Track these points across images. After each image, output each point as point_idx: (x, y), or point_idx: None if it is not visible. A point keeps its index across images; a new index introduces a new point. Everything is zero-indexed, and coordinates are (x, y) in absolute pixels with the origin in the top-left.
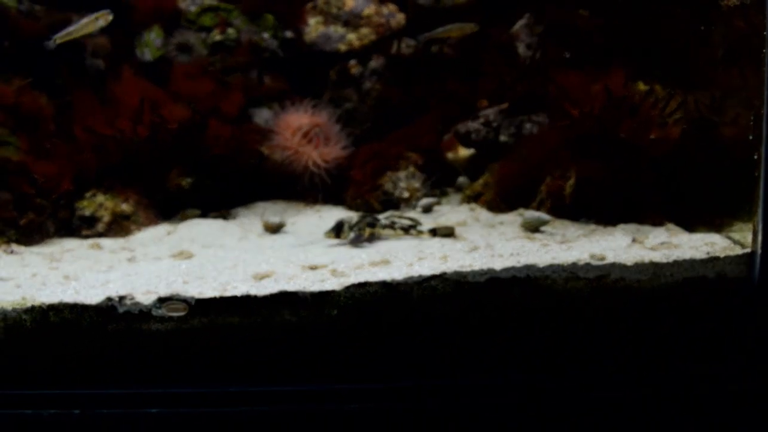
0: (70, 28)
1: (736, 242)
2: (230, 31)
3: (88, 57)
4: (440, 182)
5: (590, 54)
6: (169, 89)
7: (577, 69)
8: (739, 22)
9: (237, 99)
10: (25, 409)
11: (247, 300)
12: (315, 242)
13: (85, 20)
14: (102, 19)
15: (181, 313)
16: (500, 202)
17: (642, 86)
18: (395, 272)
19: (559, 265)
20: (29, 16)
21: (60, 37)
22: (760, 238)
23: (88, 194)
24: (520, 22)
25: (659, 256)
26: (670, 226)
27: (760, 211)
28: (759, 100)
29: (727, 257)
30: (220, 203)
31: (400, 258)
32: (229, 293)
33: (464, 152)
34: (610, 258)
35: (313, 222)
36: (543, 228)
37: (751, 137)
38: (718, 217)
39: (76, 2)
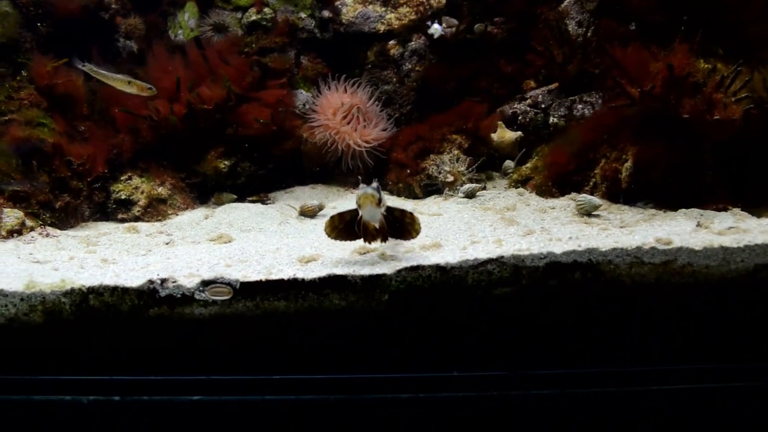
0: (104, 72)
1: None
2: (266, 10)
3: (120, 38)
4: (485, 166)
5: (646, 30)
6: (206, 69)
7: (634, 44)
8: None
9: (276, 81)
10: (64, 395)
11: (294, 283)
12: None
13: (120, 76)
14: (137, 87)
15: (225, 297)
16: (551, 187)
17: (703, 64)
18: (449, 256)
19: (622, 249)
20: None
21: (91, 70)
22: None
23: (123, 177)
24: None
25: (729, 241)
26: (736, 210)
27: None
28: None
29: None
30: (257, 187)
31: (451, 241)
32: (274, 276)
33: (510, 135)
34: (677, 242)
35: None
36: (598, 212)
37: None
38: None
39: None
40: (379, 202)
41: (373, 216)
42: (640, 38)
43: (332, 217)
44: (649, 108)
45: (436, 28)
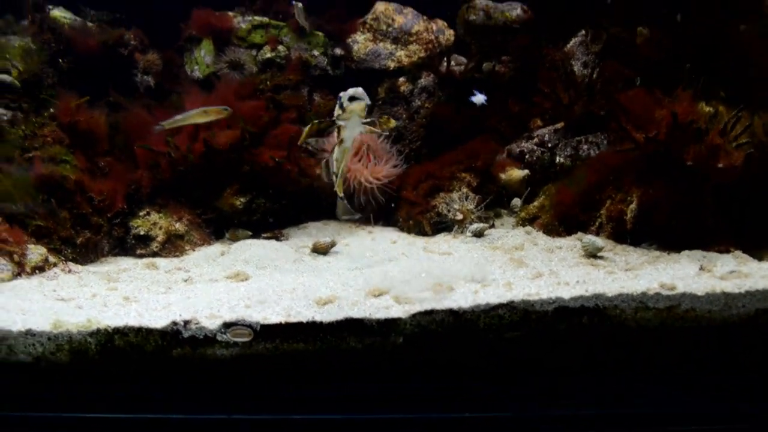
0: (178, 117)
1: None
2: (281, 48)
3: (138, 73)
4: (493, 203)
5: (651, 73)
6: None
7: (638, 89)
8: None
9: (288, 118)
10: None
11: (313, 326)
12: (371, 265)
13: (195, 111)
14: (214, 113)
15: (246, 339)
16: (558, 226)
17: (705, 107)
18: (461, 299)
19: (628, 295)
20: (83, 32)
21: (168, 123)
22: None
23: (142, 212)
24: (575, 40)
25: (731, 286)
26: (737, 253)
27: None
28: None
29: None
30: (272, 223)
31: (462, 284)
32: (293, 319)
33: (518, 173)
34: (680, 288)
35: (366, 243)
36: (603, 253)
37: None
38: None
39: (129, 21)
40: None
41: (353, 132)
42: (644, 80)
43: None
44: (654, 153)
45: (480, 98)
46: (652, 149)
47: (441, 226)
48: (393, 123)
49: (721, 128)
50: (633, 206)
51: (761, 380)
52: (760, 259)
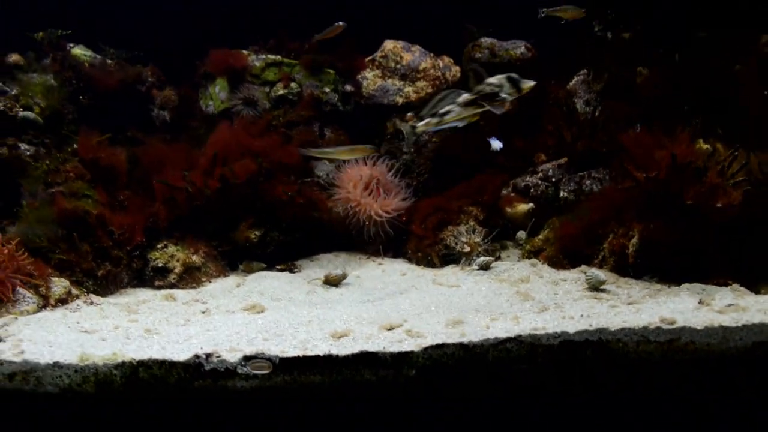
0: (327, 149)
1: None
2: (293, 85)
3: (155, 109)
4: (500, 236)
5: (651, 111)
6: (238, 143)
7: (639, 127)
8: None
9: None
10: None
11: (329, 359)
12: (382, 298)
13: (343, 148)
14: (360, 151)
15: (266, 371)
16: (562, 259)
17: (703, 145)
18: (470, 333)
19: (630, 329)
20: (102, 70)
21: (315, 152)
22: None
23: (159, 245)
24: (577, 78)
25: (728, 320)
26: (736, 286)
27: None
28: None
29: None
30: (285, 255)
31: (471, 318)
32: (310, 352)
33: (523, 207)
34: (680, 322)
35: (377, 275)
36: (607, 287)
37: None
38: None
39: (146, 58)
40: None
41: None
42: (644, 119)
43: None
44: (654, 190)
45: (496, 144)
46: (653, 188)
47: (449, 258)
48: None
49: (719, 169)
50: (635, 241)
51: (757, 411)
52: (757, 292)
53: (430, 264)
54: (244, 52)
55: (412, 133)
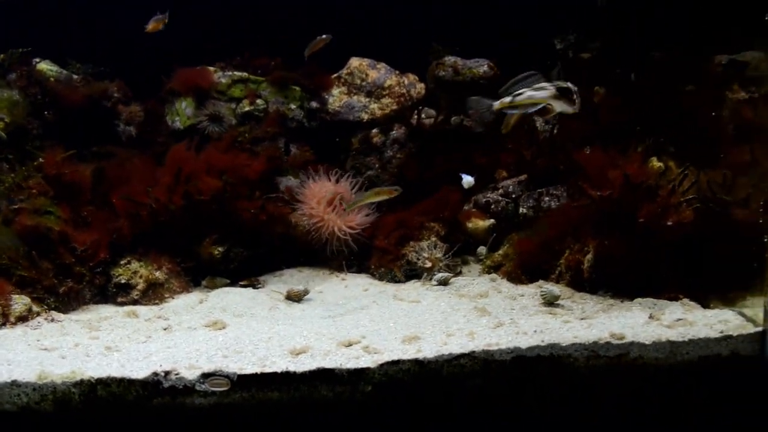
0: (357, 199)
1: (748, 319)
2: (259, 101)
3: (121, 124)
4: (461, 251)
5: (608, 130)
6: (203, 160)
7: (594, 146)
8: (748, 113)
9: (262, 168)
10: None
11: (287, 376)
12: (343, 314)
13: (369, 192)
14: (386, 192)
15: (224, 388)
16: (521, 274)
17: (656, 163)
18: (426, 349)
19: (581, 344)
20: (68, 85)
21: (349, 206)
22: None
23: (122, 261)
24: None
25: (675, 335)
26: (686, 301)
27: None
28: None
29: (740, 336)
30: (249, 271)
31: (428, 334)
32: (268, 369)
33: (484, 222)
34: (629, 337)
35: (339, 291)
36: (561, 301)
37: (761, 221)
38: (732, 291)
39: (112, 73)
40: None
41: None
42: (601, 137)
43: None
44: (608, 208)
45: (468, 180)
46: (607, 206)
47: (412, 273)
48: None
49: (670, 188)
50: (590, 257)
51: (703, 424)
52: (706, 306)
53: (392, 279)
54: (211, 68)
55: (490, 112)
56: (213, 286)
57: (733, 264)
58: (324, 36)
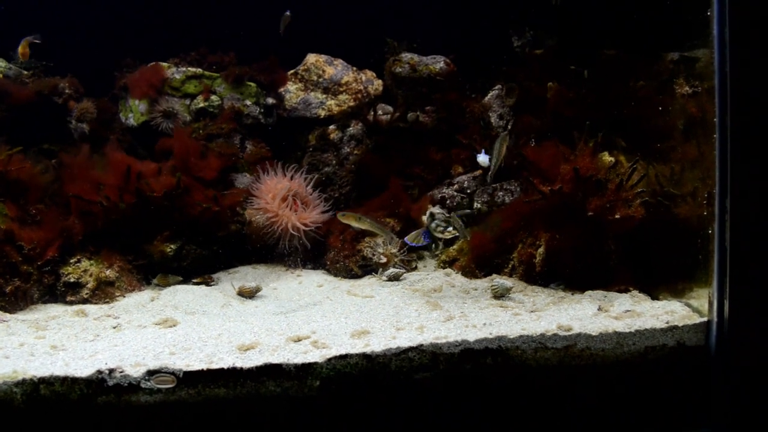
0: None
1: (695, 310)
2: (214, 98)
3: (72, 121)
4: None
5: (560, 125)
6: (155, 157)
7: (547, 141)
8: (691, 107)
9: (217, 165)
10: None
11: (233, 372)
12: (296, 309)
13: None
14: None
15: (170, 385)
16: (475, 268)
17: (607, 157)
18: (375, 343)
19: (528, 336)
20: (17, 81)
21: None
22: (715, 308)
23: (72, 260)
24: (492, 93)
25: (622, 326)
26: (635, 292)
27: (714, 283)
28: (711, 180)
29: (685, 326)
30: (203, 268)
31: (378, 328)
32: (215, 365)
33: None
34: (577, 328)
35: (294, 287)
36: (514, 294)
37: (705, 213)
38: (680, 282)
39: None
40: None
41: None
42: (554, 131)
43: None
44: (559, 202)
45: (483, 160)
46: (557, 200)
47: (368, 268)
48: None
49: (618, 183)
50: (541, 250)
51: (648, 412)
52: (655, 298)
53: (348, 275)
54: (164, 64)
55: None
56: (165, 284)
57: (680, 256)
58: (287, 13)
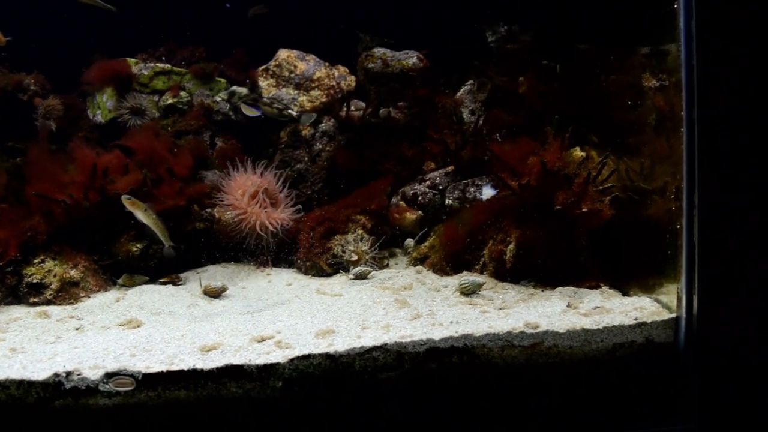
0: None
1: (664, 306)
2: (183, 94)
3: (39, 118)
4: (389, 243)
5: (532, 120)
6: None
7: (516, 136)
8: (659, 101)
9: (187, 162)
10: None
11: (194, 374)
12: (263, 309)
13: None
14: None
15: (129, 388)
16: (446, 265)
17: (578, 152)
18: (339, 343)
19: (495, 334)
20: None
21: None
22: (684, 304)
23: (36, 260)
24: (464, 88)
25: (590, 323)
26: (605, 288)
27: (683, 279)
28: (680, 175)
29: (654, 322)
30: (170, 267)
31: (344, 327)
32: (175, 367)
33: (411, 215)
34: (544, 326)
35: (263, 286)
36: (483, 291)
37: (673, 208)
38: (651, 278)
39: (30, 64)
40: None
41: None
42: (525, 127)
43: None
44: (527, 198)
45: (488, 192)
46: (526, 195)
47: (339, 266)
48: None
49: (586, 176)
50: (512, 247)
51: (617, 410)
52: (626, 294)
53: (318, 273)
54: (131, 60)
55: None
56: (131, 284)
57: (651, 251)
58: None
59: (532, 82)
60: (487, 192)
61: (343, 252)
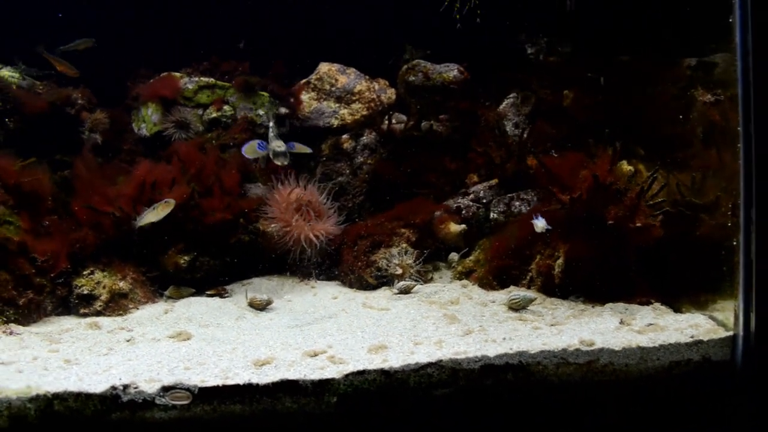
0: (144, 215)
1: (719, 323)
2: (226, 108)
3: (86, 132)
4: (433, 257)
5: (578, 134)
6: (170, 167)
7: (562, 149)
8: (714, 114)
9: (235, 176)
10: None
11: (249, 388)
12: (311, 322)
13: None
14: (162, 208)
15: (185, 402)
16: (492, 280)
17: (626, 166)
18: (393, 359)
19: (550, 351)
20: (31, 92)
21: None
22: (741, 322)
23: (85, 272)
24: (507, 101)
25: (646, 340)
26: (657, 305)
27: (740, 296)
28: (735, 189)
29: (711, 340)
30: (216, 280)
31: (395, 343)
32: (231, 381)
33: (455, 228)
34: (599, 343)
35: (308, 299)
36: (532, 307)
37: (729, 224)
38: (703, 294)
39: (75, 79)
40: None
41: None
42: (571, 140)
43: None
44: (577, 212)
45: (541, 226)
46: (576, 209)
47: (383, 280)
48: None
49: (638, 190)
50: (560, 261)
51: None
52: (677, 311)
53: (362, 287)
54: (177, 74)
55: None
56: (178, 296)
57: (703, 267)
58: None
59: (577, 95)
60: (540, 224)
61: (388, 265)
